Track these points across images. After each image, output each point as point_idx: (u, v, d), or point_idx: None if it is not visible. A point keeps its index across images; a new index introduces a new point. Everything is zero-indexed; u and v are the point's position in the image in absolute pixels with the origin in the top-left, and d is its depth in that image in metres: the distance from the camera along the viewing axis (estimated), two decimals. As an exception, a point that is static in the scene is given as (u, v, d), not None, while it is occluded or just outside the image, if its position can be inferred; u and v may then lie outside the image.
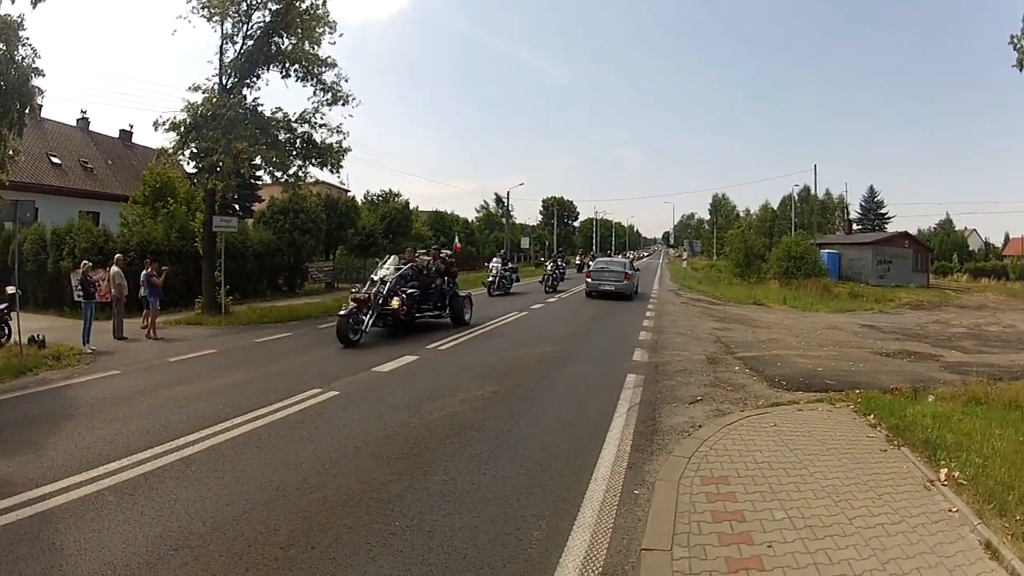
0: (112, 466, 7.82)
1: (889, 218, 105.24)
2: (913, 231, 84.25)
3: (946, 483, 7.09)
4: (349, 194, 62.91)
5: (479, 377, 13.54)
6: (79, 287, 19.60)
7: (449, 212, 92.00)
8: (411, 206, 69.12)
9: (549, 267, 42.90)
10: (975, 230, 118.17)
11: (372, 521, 6.32)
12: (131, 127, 49.17)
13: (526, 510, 6.66)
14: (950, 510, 6.45)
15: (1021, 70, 14.53)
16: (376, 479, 7.46)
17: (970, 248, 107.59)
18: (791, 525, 6.04)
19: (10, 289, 17.71)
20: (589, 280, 36.46)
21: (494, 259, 37.71)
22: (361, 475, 7.61)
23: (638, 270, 43.23)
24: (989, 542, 5.70)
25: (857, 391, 11.93)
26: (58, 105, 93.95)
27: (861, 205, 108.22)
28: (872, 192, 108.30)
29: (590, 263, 46.99)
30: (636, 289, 38.69)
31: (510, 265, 40.99)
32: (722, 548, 5.60)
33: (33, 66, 15.91)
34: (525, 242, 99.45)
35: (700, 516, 6.25)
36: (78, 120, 44.26)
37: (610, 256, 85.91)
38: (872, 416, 9.98)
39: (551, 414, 10.73)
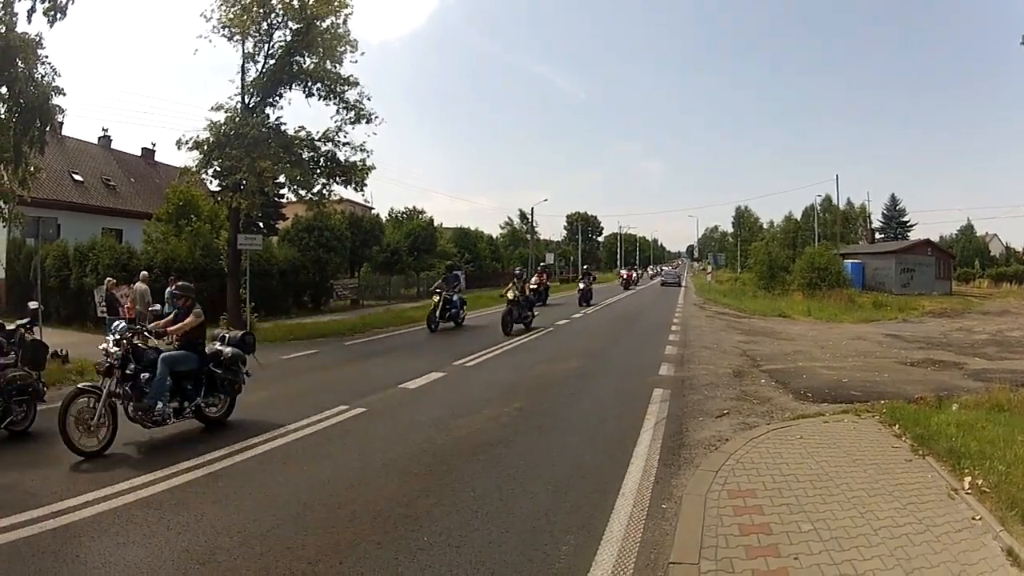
0: (137, 480, 7.85)
1: (911, 226, 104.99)
2: (935, 238, 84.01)
3: (970, 491, 7.07)
4: (373, 211, 63.14)
5: (506, 393, 13.53)
6: (103, 303, 19.73)
7: (474, 229, 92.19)
8: (435, 223, 69.18)
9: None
10: (996, 235, 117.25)
11: (400, 537, 6.31)
12: (153, 145, 49.84)
13: (554, 525, 6.63)
14: (973, 518, 6.42)
15: None
16: (404, 495, 7.43)
17: (992, 253, 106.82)
18: (817, 537, 6.02)
19: (32, 304, 17.82)
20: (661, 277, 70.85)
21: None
22: (388, 491, 7.59)
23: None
24: (1011, 549, 5.69)
25: (882, 402, 11.85)
26: (80, 123, 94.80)
27: (883, 213, 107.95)
28: (894, 200, 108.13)
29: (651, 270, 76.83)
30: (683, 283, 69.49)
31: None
32: (749, 561, 5.59)
33: (53, 84, 16.14)
34: (550, 258, 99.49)
35: (727, 529, 6.23)
36: (100, 138, 44.79)
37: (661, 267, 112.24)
38: (897, 426, 9.91)
39: (578, 430, 10.71)
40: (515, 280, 27.93)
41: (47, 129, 16.37)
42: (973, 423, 9.75)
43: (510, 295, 26.27)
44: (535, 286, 36.79)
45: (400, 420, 11.26)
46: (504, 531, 6.50)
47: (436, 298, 27.37)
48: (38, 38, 15.73)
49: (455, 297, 28.34)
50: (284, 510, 7.00)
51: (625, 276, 78.36)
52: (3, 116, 15.75)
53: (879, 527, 6.25)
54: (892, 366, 17.46)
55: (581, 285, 45.08)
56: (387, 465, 8.67)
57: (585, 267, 58.85)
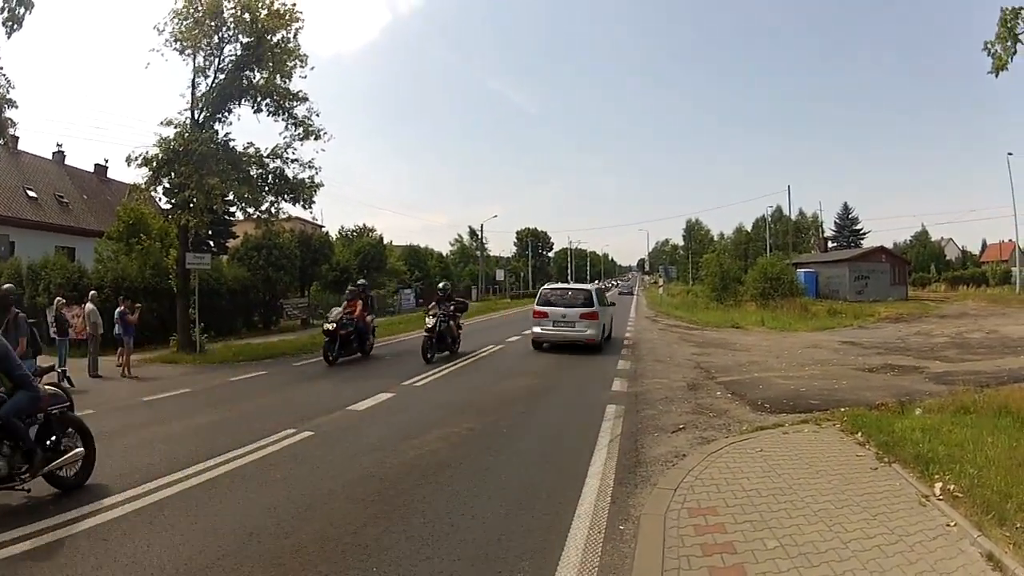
0: (83, 510, 7.59)
1: (864, 233, 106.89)
2: (889, 245, 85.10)
3: (941, 497, 7.03)
4: (323, 229, 63.14)
5: (456, 413, 13.35)
6: (54, 323, 19.41)
7: (424, 246, 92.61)
8: (386, 240, 69.24)
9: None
10: (951, 239, 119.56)
11: (348, 567, 6.13)
12: (106, 161, 49.79)
13: (508, 551, 6.47)
14: (948, 524, 6.38)
15: (997, 76, 14.50)
16: (352, 523, 7.26)
17: (947, 257, 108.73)
18: (784, 554, 5.87)
19: None
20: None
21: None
22: (337, 519, 7.40)
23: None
24: (991, 553, 5.64)
25: (842, 409, 11.88)
26: (34, 138, 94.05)
27: (835, 222, 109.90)
28: (846, 209, 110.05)
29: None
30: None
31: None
32: None
33: (7, 97, 15.75)
34: (500, 274, 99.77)
35: (689, 550, 6.07)
36: (54, 153, 44.61)
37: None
38: (860, 434, 9.94)
39: (531, 449, 10.61)
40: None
41: (0, 143, 16.00)
42: (939, 427, 9.80)
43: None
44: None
45: (348, 443, 11.05)
46: (456, 559, 6.34)
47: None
48: None
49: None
50: (230, 539, 6.81)
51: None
52: None
53: (849, 540, 6.15)
54: (850, 373, 17.57)
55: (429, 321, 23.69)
56: (335, 491, 8.48)
57: (443, 283, 33.04)
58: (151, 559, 6.29)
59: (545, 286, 28.52)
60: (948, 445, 8.64)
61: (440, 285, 27.07)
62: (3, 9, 15.24)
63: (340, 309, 23.57)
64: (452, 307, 24.31)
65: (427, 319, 23.04)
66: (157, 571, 6.04)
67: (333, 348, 21.84)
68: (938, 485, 7.30)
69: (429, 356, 21.68)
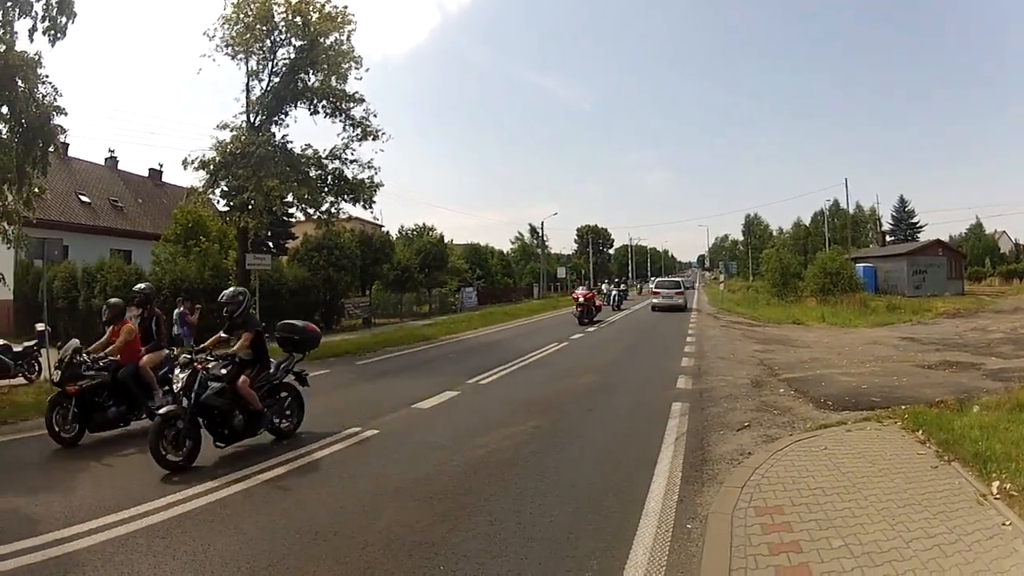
0: (144, 507, 7.65)
1: (921, 227, 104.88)
2: (945, 238, 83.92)
3: (998, 496, 7.01)
4: (383, 229, 63.25)
5: (521, 411, 13.29)
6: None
7: (484, 244, 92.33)
8: (446, 239, 69.34)
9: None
10: (1005, 232, 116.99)
11: (415, 566, 6.07)
12: (160, 166, 50.58)
13: (576, 549, 6.40)
14: (1003, 524, 6.34)
15: None
16: (418, 521, 7.20)
17: (1001, 251, 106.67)
18: (849, 553, 5.85)
19: (39, 326, 17.85)
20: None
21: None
22: (402, 518, 7.34)
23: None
24: None
25: (903, 407, 11.62)
26: (86, 144, 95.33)
27: (892, 216, 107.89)
28: (903, 202, 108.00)
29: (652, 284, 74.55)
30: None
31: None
32: None
33: (55, 104, 16.10)
34: (561, 272, 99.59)
35: (756, 549, 6.05)
36: (107, 159, 45.40)
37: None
38: (920, 432, 9.76)
39: (597, 448, 10.47)
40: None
41: (50, 149, 16.34)
42: (996, 424, 9.68)
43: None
44: None
45: (414, 442, 11.03)
46: (524, 557, 6.28)
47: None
48: (37, 57, 15.72)
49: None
50: (294, 539, 6.77)
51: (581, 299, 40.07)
52: (5, 136, 15.71)
53: (910, 539, 6.12)
54: (910, 370, 17.26)
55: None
56: (401, 489, 8.43)
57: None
58: (212, 558, 6.28)
59: (656, 279, 72.68)
60: (1005, 443, 8.55)
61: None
62: (44, 18, 15.59)
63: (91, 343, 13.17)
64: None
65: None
66: (219, 569, 6.03)
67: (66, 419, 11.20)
68: (995, 484, 7.27)
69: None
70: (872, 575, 5.48)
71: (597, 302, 41.55)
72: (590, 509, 7.63)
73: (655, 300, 51.35)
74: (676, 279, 66.04)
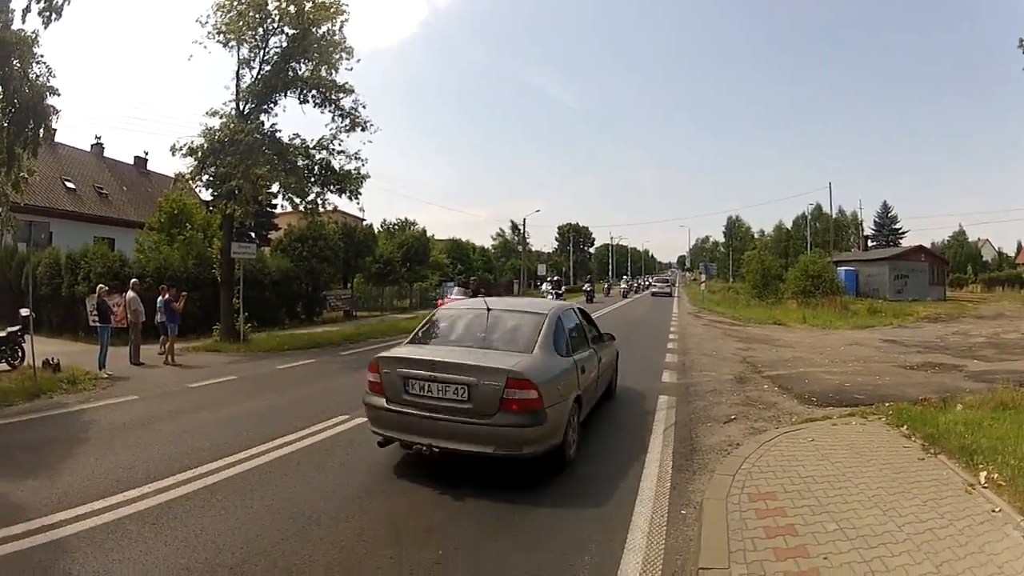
0: (132, 493, 7.58)
1: (903, 233, 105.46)
2: (927, 244, 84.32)
3: (986, 485, 7.27)
4: (366, 222, 63.20)
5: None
6: (95, 311, 19.46)
7: (466, 240, 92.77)
8: (428, 234, 69.41)
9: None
10: (988, 240, 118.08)
11: (416, 550, 6.08)
12: (146, 154, 49.95)
13: (575, 533, 6.49)
14: (993, 511, 6.56)
15: None
16: (414, 507, 7.22)
17: (984, 258, 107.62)
18: (844, 536, 6.02)
19: (24, 311, 17.69)
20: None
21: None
22: (398, 503, 7.37)
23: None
24: None
25: (887, 404, 11.91)
26: (72, 130, 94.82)
27: (875, 221, 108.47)
28: (886, 207, 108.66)
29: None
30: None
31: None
32: (780, 563, 5.53)
33: (48, 84, 15.96)
34: (541, 269, 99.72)
35: (753, 532, 6.16)
36: (92, 145, 44.88)
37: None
38: (905, 427, 10.04)
39: (590, 435, 10.45)
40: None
41: (41, 131, 16.17)
42: (980, 421, 9.96)
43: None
44: None
45: None
46: (522, 541, 6.34)
47: None
48: (34, 35, 15.55)
49: None
50: (288, 524, 6.72)
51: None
52: None
53: (903, 523, 6.30)
54: (892, 370, 17.50)
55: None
56: (394, 475, 8.46)
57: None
58: (204, 543, 6.23)
59: (655, 277, 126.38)
60: (990, 438, 8.83)
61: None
62: (40, -4, 15.46)
63: None
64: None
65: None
66: (212, 555, 5.95)
67: None
68: (983, 474, 7.53)
69: None
70: (868, 556, 5.63)
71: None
72: (587, 495, 7.77)
73: (654, 289, 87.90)
74: (667, 278, 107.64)
